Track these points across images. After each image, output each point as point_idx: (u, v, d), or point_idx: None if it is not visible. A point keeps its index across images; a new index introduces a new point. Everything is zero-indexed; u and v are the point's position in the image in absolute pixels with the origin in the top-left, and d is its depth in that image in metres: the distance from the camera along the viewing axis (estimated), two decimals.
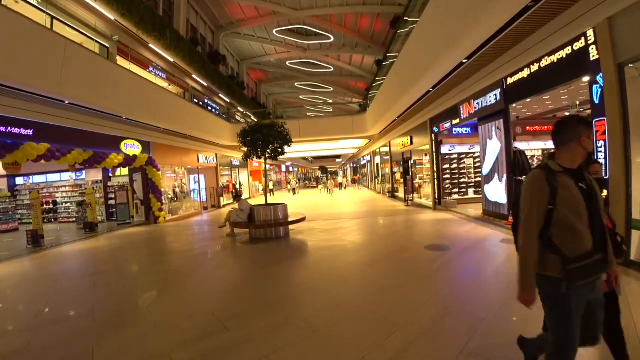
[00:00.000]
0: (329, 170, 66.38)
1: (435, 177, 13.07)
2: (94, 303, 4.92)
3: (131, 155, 13.28)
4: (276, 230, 9.01)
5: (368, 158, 30.58)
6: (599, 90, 5.54)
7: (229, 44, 27.57)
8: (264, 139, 8.73)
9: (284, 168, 43.00)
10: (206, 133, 18.06)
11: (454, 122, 11.28)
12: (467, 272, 5.39)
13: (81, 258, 8.53)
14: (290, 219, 9.03)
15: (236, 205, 9.36)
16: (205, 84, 21.76)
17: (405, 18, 19.50)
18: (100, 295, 5.36)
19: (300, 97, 40.04)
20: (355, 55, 28.25)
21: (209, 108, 20.82)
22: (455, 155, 13.40)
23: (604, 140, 5.47)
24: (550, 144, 14.19)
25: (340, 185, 33.84)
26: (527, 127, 13.50)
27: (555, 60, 6.60)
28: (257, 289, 5.14)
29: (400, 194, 19.28)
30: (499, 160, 9.51)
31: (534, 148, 13.80)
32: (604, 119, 5.46)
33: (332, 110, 41.73)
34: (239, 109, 28.19)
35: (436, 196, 13.11)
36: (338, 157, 46.62)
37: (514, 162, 9.23)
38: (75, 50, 8.86)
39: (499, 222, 9.27)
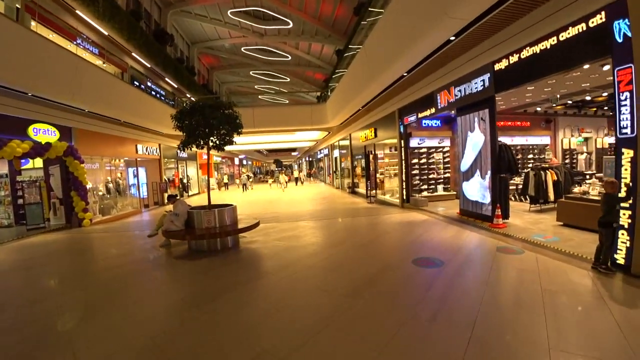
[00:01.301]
0: (284, 163, 64.34)
1: (404, 172, 11.72)
2: None
3: (43, 143, 10.32)
4: (222, 240, 6.92)
5: (325, 151, 29.00)
6: (624, 27, 4.27)
7: (178, 24, 24.37)
8: (206, 124, 6.61)
9: (237, 161, 40.13)
10: (147, 120, 15.22)
11: (429, 111, 9.91)
12: (484, 304, 3.83)
13: None
14: (240, 225, 6.98)
15: (171, 207, 7.17)
16: (148, 65, 18.71)
17: (370, 9, 18.15)
18: None
19: (256, 86, 37.40)
20: (315, 44, 26.39)
21: (153, 93, 17.86)
22: (425, 150, 12.15)
23: (630, 92, 4.25)
24: (517, 140, 13.47)
25: (297, 179, 31.25)
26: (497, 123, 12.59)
27: (571, 36, 5.30)
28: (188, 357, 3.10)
29: (361, 189, 17.92)
30: (482, 155, 8.27)
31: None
32: (630, 66, 4.21)
33: (288, 102, 39.58)
34: (188, 95, 25.19)
35: (404, 193, 11.78)
36: (294, 150, 44.60)
37: (499, 158, 8.04)
38: None
39: (480, 223, 8.05)
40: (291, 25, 23.84)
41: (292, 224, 9.62)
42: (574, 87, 9.04)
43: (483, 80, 7.59)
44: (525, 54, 6.31)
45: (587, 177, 10.46)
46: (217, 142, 6.96)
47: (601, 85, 8.64)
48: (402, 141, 11.63)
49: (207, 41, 27.82)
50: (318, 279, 5.10)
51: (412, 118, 10.82)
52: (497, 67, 7.17)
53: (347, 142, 20.47)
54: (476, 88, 7.84)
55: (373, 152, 14.80)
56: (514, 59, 6.64)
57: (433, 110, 9.65)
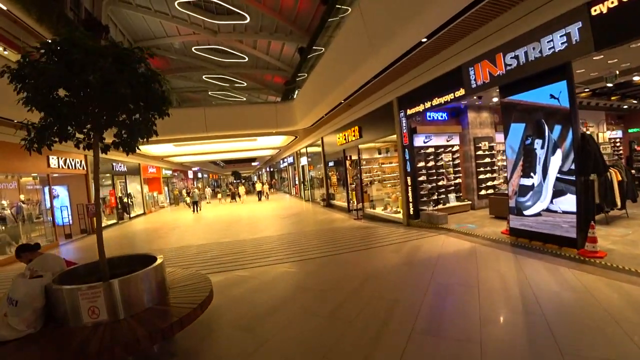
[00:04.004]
0: (242, 175, 59.36)
1: (408, 179, 8.61)
2: None
3: None
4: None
5: (290, 160, 25.39)
6: None
7: (117, 17, 19.68)
8: (96, 90, 2.74)
9: (190, 174, 35.06)
10: None
11: (453, 95, 6.89)
12: None
13: None
14: (173, 297, 3.16)
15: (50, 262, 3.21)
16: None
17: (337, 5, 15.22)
18: None
19: (210, 93, 32.96)
20: (274, 43, 22.90)
21: None
22: (432, 149, 9.15)
23: None
24: None
25: (259, 194, 24.49)
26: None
27: None
28: None
29: (339, 202, 14.63)
30: (548, 148, 5.36)
31: None
32: None
33: (247, 100, 35.19)
34: None
35: (410, 207, 8.65)
36: (254, 160, 40.26)
37: (584, 153, 5.17)
38: None
39: (558, 250, 5.10)
40: (248, 20, 20.17)
41: (264, 271, 5.79)
42: None
43: (567, 35, 4.67)
44: None
45: None
46: (124, 135, 3.21)
47: None
48: (405, 139, 8.52)
49: (153, 39, 23.22)
50: None
51: (421, 106, 7.76)
52: (595, 10, 4.30)
53: (318, 148, 17.16)
54: (551, 48, 4.91)
55: (358, 156, 11.60)
56: None
57: (461, 92, 6.63)
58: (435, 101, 7.33)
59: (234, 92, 32.15)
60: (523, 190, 5.93)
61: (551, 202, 5.46)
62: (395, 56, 6.72)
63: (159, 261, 3.21)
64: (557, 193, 5.36)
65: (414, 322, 3.34)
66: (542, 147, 5.50)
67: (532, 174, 5.75)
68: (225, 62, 25.91)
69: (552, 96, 5.23)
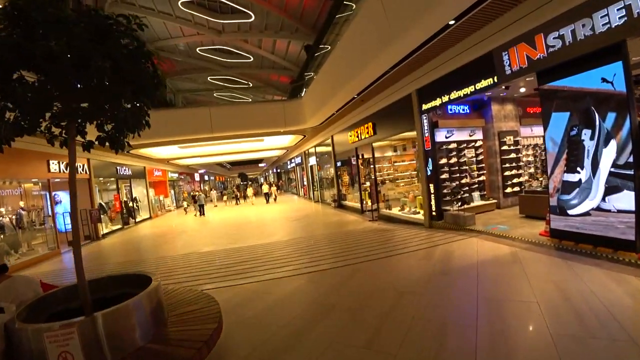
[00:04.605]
0: (249, 176, 58.92)
1: (430, 177, 7.96)
2: None
3: None
4: None
5: (298, 160, 24.80)
6: None
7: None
8: (65, 65, 2.14)
9: (197, 177, 34.65)
10: None
11: (482, 83, 6.25)
12: None
13: None
14: (173, 332, 2.50)
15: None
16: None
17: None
18: None
19: (215, 94, 32.57)
20: (280, 42, 22.38)
21: None
22: (454, 145, 8.50)
23: None
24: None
25: (267, 196, 23.21)
26: (528, 109, 9.39)
27: None
28: None
29: (351, 202, 14.02)
30: (600, 137, 4.70)
31: (537, 135, 9.75)
32: None
33: (253, 100, 34.59)
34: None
35: (432, 207, 8.00)
36: (260, 161, 39.71)
37: None
38: None
39: (613, 254, 4.44)
40: (253, 18, 19.64)
41: (278, 284, 5.14)
42: None
43: (627, 7, 4.01)
44: None
45: None
46: (110, 129, 2.62)
47: None
48: (427, 134, 7.87)
49: (157, 41, 22.80)
50: None
51: (445, 97, 7.11)
52: None
53: (327, 148, 16.57)
54: (606, 24, 4.25)
55: (372, 154, 10.98)
56: None
57: (493, 79, 5.98)
58: (461, 92, 6.69)
59: (239, 93, 31.72)
60: (567, 187, 5.26)
61: (603, 199, 4.79)
62: (419, 42, 6.10)
63: (154, 284, 2.59)
64: (610, 190, 4.69)
65: (474, 352, 2.71)
66: (592, 138, 4.84)
67: (578, 169, 5.08)
68: (230, 62, 25.43)
69: (604, 80, 4.57)
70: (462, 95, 6.77)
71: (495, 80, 5.91)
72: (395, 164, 11.19)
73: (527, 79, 6.48)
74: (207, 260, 7.27)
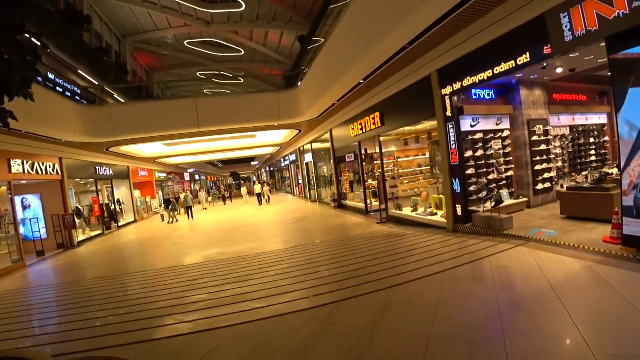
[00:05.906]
0: (241, 175, 57.27)
1: (454, 172, 6.69)
2: None
3: None
4: None
5: (292, 157, 23.39)
6: None
7: (100, 7, 17.61)
8: None
9: (187, 177, 32.98)
10: (35, 122, 8.62)
11: (526, 57, 4.97)
12: None
13: None
14: None
15: None
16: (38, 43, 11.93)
17: None
18: None
19: (205, 91, 30.94)
20: (272, 33, 20.94)
21: (58, 89, 11.15)
22: (480, 136, 7.23)
23: None
24: (578, 119, 9.16)
25: (259, 196, 20.82)
26: (554, 95, 8.18)
27: None
28: None
29: (352, 202, 12.71)
30: None
31: (564, 124, 8.57)
32: None
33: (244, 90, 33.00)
34: (117, 97, 18.48)
35: (456, 207, 6.73)
36: (253, 159, 38.14)
37: None
38: None
39: None
40: (243, 7, 18.13)
41: (282, 322, 3.68)
42: None
43: None
44: None
45: None
46: None
47: None
48: (452, 122, 6.57)
49: (142, 33, 21.14)
50: None
51: (483, 74, 5.77)
52: None
53: (325, 144, 15.24)
54: None
55: (379, 148, 9.68)
56: None
57: (547, 49, 4.68)
58: (499, 68, 5.40)
59: (230, 89, 30.16)
60: None
61: None
62: (449, 6, 4.78)
63: None
64: None
65: None
66: None
67: None
68: (220, 56, 23.87)
69: None
70: (496, 74, 5.49)
71: (548, 50, 4.62)
72: (410, 158, 9.90)
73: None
74: (189, 279, 5.86)
